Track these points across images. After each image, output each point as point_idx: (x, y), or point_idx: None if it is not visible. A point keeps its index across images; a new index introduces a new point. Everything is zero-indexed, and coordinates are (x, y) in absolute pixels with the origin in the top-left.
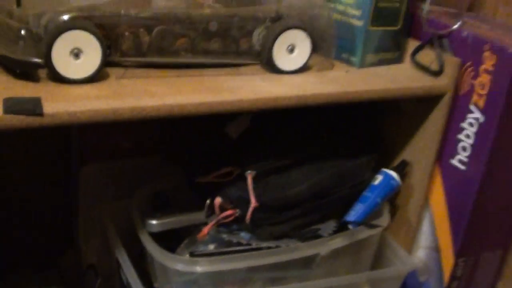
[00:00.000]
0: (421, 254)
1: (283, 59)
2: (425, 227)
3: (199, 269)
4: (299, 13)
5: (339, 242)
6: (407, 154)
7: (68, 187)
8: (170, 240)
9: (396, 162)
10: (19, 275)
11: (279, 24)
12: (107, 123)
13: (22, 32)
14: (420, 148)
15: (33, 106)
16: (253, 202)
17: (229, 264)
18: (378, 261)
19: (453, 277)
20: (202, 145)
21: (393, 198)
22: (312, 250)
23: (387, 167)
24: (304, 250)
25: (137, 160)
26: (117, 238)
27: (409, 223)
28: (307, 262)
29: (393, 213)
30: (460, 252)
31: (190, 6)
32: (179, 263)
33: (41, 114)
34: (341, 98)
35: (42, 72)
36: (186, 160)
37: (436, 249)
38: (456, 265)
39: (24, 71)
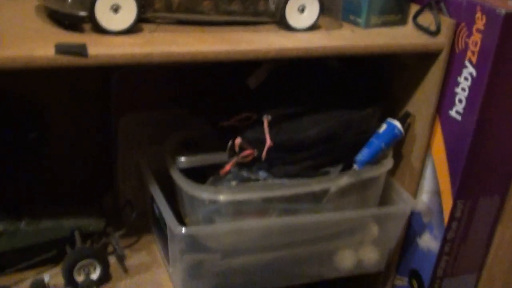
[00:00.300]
0: (424, 197)
1: (295, 18)
2: (428, 173)
3: (221, 197)
4: None
5: (346, 180)
6: (410, 106)
7: (108, 134)
8: (198, 181)
9: (401, 113)
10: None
11: None
12: (142, 74)
13: None
14: (422, 100)
15: (80, 49)
16: (268, 142)
17: (247, 194)
18: (384, 203)
19: (452, 217)
20: (226, 95)
21: (398, 146)
22: (320, 185)
23: (392, 118)
24: (313, 185)
25: (170, 111)
26: (151, 176)
27: (412, 170)
28: (317, 197)
29: (398, 160)
30: (458, 194)
31: None
32: (204, 192)
33: (86, 55)
34: (345, 51)
35: (87, 26)
36: (212, 108)
37: (437, 192)
38: (454, 206)
39: (72, 23)
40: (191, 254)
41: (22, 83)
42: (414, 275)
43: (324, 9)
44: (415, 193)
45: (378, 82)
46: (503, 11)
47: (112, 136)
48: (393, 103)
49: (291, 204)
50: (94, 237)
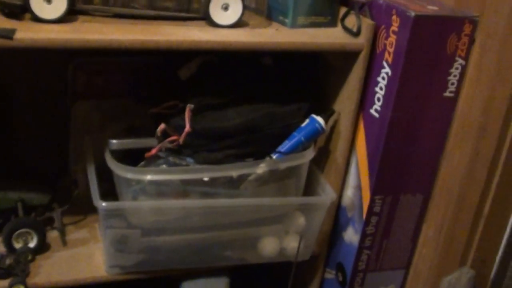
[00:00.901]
0: (349, 192)
1: (219, 15)
2: (352, 169)
3: (143, 177)
4: None
5: (262, 167)
6: (336, 105)
7: (64, 120)
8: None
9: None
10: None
11: None
12: (96, 65)
13: None
14: (345, 98)
15: (7, 33)
16: (187, 128)
17: (168, 175)
18: (310, 195)
19: (370, 212)
20: (162, 85)
21: (325, 143)
22: (237, 171)
23: (317, 114)
24: (230, 170)
25: (118, 100)
26: (91, 157)
27: (337, 165)
28: (235, 183)
29: (326, 156)
30: (375, 190)
31: None
32: (129, 172)
33: (11, 38)
34: (261, 46)
35: (28, 16)
36: (151, 97)
37: (359, 188)
38: (372, 201)
39: (11, 12)
40: (113, 228)
41: None
42: (340, 268)
43: (245, 8)
44: (339, 188)
45: (309, 81)
46: (413, 13)
47: (66, 122)
48: (322, 101)
49: (209, 188)
50: (38, 211)
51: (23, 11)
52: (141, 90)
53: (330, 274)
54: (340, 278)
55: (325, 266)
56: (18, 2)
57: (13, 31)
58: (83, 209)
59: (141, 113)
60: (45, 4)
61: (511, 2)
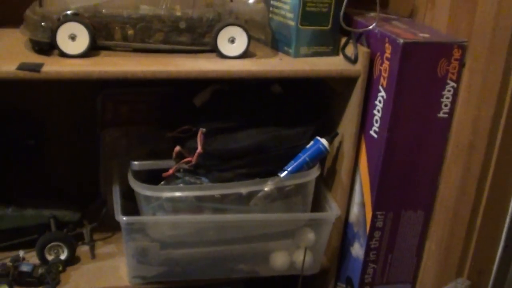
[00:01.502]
0: (355, 209)
1: (226, 47)
2: (357, 187)
3: (163, 194)
4: (239, 15)
5: (269, 184)
6: (340, 127)
7: (94, 146)
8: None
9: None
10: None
11: (220, 22)
12: (122, 96)
13: (42, 23)
14: (348, 121)
15: (35, 67)
16: (199, 149)
17: (183, 193)
18: (318, 212)
19: (373, 227)
20: (179, 112)
21: (332, 163)
22: (246, 188)
23: (322, 136)
24: (240, 187)
25: (142, 127)
26: (117, 179)
27: (343, 184)
28: (244, 199)
29: (332, 176)
30: (376, 206)
31: (165, 9)
32: (148, 190)
33: (38, 71)
34: (260, 75)
35: (56, 52)
36: (170, 124)
37: (363, 204)
38: (374, 217)
39: (41, 49)
40: (134, 241)
41: (25, 101)
42: (349, 282)
43: (250, 41)
44: (345, 204)
45: (314, 106)
46: (401, 40)
47: (97, 146)
48: (328, 124)
49: (221, 204)
50: (69, 227)
51: (51, 48)
52: (162, 117)
53: None
54: None
55: (336, 280)
56: (47, 40)
57: (41, 65)
58: (111, 226)
59: (163, 139)
60: (70, 42)
61: (493, 27)
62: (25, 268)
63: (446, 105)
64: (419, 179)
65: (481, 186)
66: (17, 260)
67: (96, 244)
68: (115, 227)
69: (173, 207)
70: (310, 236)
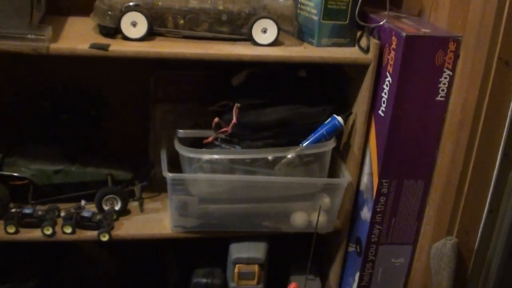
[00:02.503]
0: (365, 179)
1: (259, 36)
2: (367, 160)
3: (203, 156)
4: (272, 10)
5: (292, 152)
6: (354, 107)
7: (146, 119)
8: None
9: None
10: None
11: (255, 15)
12: (172, 77)
13: (109, 12)
14: (360, 102)
15: (104, 46)
16: (234, 120)
17: (219, 155)
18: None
19: (379, 193)
20: (219, 90)
21: (346, 139)
22: (272, 154)
23: (337, 114)
24: (266, 153)
25: (187, 104)
26: (165, 146)
27: (355, 156)
28: (270, 164)
29: (346, 149)
30: (382, 174)
31: (210, 4)
32: (191, 153)
33: (106, 50)
34: (286, 59)
35: (120, 36)
36: (211, 100)
37: (371, 174)
38: (380, 184)
39: (108, 32)
40: (177, 195)
41: (90, 81)
42: (358, 241)
43: (280, 31)
44: (357, 174)
45: (333, 89)
46: (404, 34)
47: (148, 118)
48: (344, 104)
49: (250, 167)
50: (122, 185)
51: (116, 33)
52: (204, 95)
53: (351, 248)
54: (358, 250)
55: (348, 241)
56: (113, 26)
57: (108, 45)
58: (158, 187)
59: (204, 114)
60: (131, 27)
61: (479, 23)
62: (86, 213)
63: (443, 90)
64: (419, 153)
65: (468, 157)
66: (79, 208)
67: (144, 201)
68: (161, 188)
69: (211, 168)
70: (326, 200)
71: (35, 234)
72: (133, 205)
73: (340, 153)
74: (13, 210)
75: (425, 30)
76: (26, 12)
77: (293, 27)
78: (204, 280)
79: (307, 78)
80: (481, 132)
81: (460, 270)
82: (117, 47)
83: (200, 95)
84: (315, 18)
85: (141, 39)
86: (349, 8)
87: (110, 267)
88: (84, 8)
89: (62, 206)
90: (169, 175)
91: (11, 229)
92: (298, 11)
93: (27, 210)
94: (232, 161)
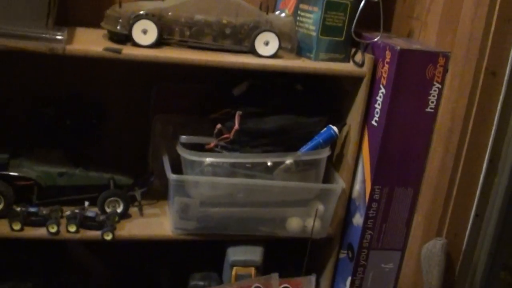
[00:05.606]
0: (357, 186)
1: (261, 48)
2: (360, 168)
3: (205, 160)
4: (276, 26)
5: (289, 158)
6: (348, 118)
7: (145, 126)
8: None
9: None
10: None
11: (258, 28)
12: (172, 88)
13: (120, 20)
14: (354, 113)
15: (116, 50)
16: (236, 126)
17: (221, 159)
18: None
19: (371, 199)
20: (220, 100)
21: (340, 148)
22: (270, 159)
23: (333, 124)
24: (264, 158)
25: (186, 115)
26: (165, 153)
27: (348, 164)
28: (269, 169)
29: (340, 158)
30: (374, 181)
31: (215, 18)
32: (193, 156)
33: (119, 53)
34: (286, 69)
35: (129, 43)
36: (212, 110)
37: (364, 181)
38: (373, 190)
39: (118, 39)
40: (179, 196)
41: (92, 91)
42: (350, 247)
43: (281, 44)
44: (350, 181)
45: (328, 101)
46: (398, 48)
47: (148, 128)
48: (338, 115)
49: (250, 171)
50: (123, 189)
51: (126, 39)
52: (206, 105)
53: (343, 254)
54: (350, 255)
55: (340, 248)
56: (124, 32)
57: (121, 49)
58: (156, 193)
59: (204, 125)
60: (142, 35)
61: (468, 39)
62: (90, 213)
63: (432, 102)
64: (409, 161)
65: (457, 164)
66: (83, 209)
67: (144, 207)
68: (159, 196)
69: (212, 172)
70: (320, 207)
71: (40, 232)
72: (133, 210)
73: (334, 163)
74: (19, 209)
75: (416, 46)
76: (43, 13)
77: (292, 43)
78: (201, 283)
79: (304, 91)
80: (468, 140)
81: (448, 269)
82: (129, 51)
83: (200, 106)
84: (314, 34)
85: (151, 46)
86: (345, 25)
87: (104, 278)
88: (91, 21)
89: (65, 209)
90: (173, 177)
91: (17, 226)
92: (297, 28)
93: (32, 209)
94: (233, 165)
